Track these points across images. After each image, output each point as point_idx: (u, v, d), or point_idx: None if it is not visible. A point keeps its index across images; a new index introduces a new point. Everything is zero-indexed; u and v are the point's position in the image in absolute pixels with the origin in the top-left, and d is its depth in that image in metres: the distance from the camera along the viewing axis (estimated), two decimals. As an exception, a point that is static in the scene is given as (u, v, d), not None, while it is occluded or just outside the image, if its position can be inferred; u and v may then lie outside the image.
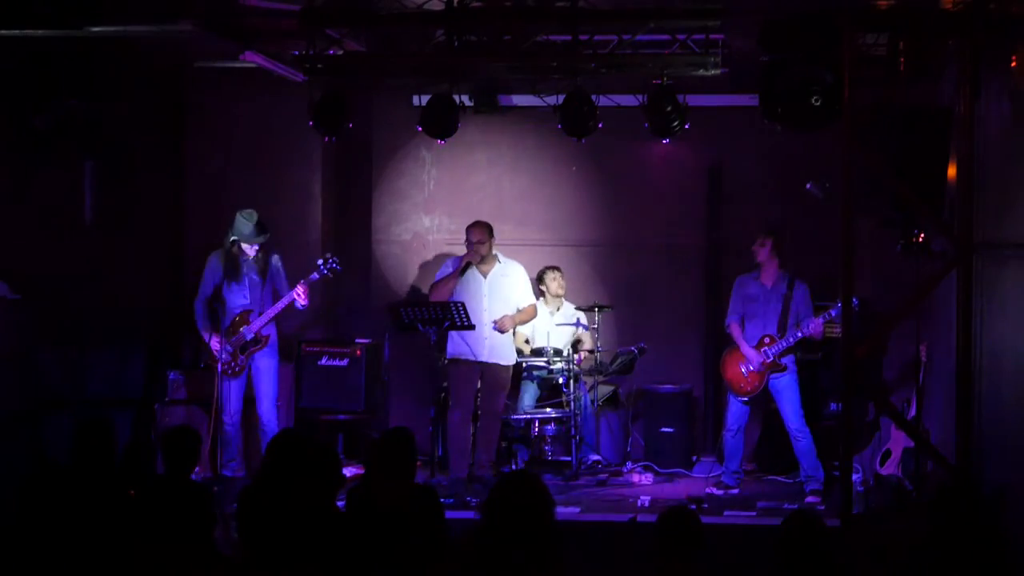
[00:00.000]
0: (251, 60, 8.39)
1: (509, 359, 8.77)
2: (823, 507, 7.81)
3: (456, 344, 8.60)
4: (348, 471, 7.40)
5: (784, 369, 8.28)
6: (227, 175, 9.55)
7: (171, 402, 8.74)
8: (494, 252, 8.80)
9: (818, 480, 8.25)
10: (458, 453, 8.56)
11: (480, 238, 8.61)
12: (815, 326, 8.15)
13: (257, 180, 9.49)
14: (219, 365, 8.24)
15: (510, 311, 8.70)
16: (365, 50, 8.52)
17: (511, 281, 8.79)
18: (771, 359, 8.25)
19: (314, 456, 5.29)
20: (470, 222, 8.82)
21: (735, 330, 8.42)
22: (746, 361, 8.32)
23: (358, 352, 9.38)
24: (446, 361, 8.64)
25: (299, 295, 8.30)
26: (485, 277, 8.72)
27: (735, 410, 8.46)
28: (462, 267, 8.65)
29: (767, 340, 8.29)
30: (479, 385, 8.66)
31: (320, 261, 8.45)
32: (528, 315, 8.91)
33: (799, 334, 8.21)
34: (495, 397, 8.68)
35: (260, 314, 8.37)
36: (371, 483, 5.33)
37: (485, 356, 8.60)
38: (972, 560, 4.56)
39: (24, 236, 8.13)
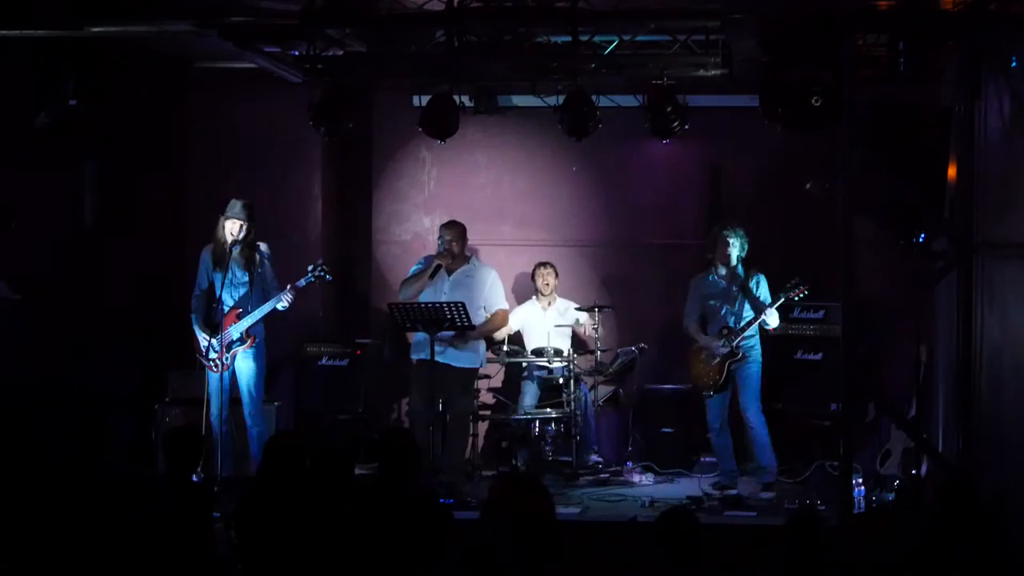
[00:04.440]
0: (251, 60, 8.39)
1: (469, 362, 8.63)
2: (824, 507, 7.81)
3: (415, 346, 8.56)
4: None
5: (744, 358, 8.33)
6: (227, 175, 9.55)
7: (170, 402, 8.73)
8: (468, 254, 8.83)
9: (771, 472, 8.30)
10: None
11: (453, 237, 8.65)
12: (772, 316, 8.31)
13: (257, 180, 9.49)
14: (206, 362, 8.20)
15: (472, 311, 8.41)
16: (365, 50, 8.51)
17: (476, 282, 8.70)
18: (730, 348, 8.33)
19: (319, 460, 5.28)
20: (445, 221, 8.92)
21: (693, 329, 8.58)
22: (708, 352, 8.43)
23: (358, 352, 9.37)
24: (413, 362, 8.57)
25: (285, 299, 8.21)
26: (450, 275, 8.65)
27: (711, 408, 8.52)
28: (433, 267, 8.58)
29: (725, 331, 8.38)
30: (436, 388, 8.41)
31: (311, 267, 8.34)
32: (493, 324, 8.79)
33: (756, 322, 8.32)
34: (455, 400, 8.56)
35: (249, 312, 8.31)
36: (370, 485, 5.32)
37: (440, 357, 8.39)
38: (972, 560, 4.56)
39: (24, 236, 8.12)
